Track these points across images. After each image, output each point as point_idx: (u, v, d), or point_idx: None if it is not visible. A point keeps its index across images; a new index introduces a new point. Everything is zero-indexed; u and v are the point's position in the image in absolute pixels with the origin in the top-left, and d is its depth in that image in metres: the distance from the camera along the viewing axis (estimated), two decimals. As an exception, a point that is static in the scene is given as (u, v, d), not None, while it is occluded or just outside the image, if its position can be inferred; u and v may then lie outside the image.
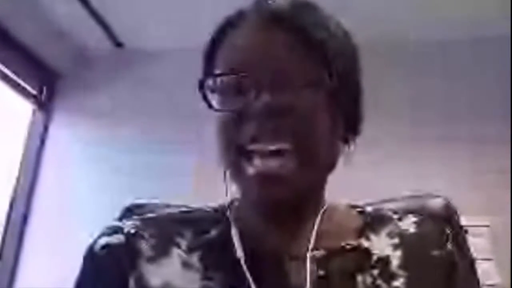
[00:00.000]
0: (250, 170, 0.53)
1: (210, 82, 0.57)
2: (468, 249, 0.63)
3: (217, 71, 0.57)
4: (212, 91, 0.56)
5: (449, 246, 0.59)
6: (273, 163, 0.51)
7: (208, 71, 0.60)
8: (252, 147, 0.52)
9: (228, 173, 0.57)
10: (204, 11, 2.16)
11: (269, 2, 0.58)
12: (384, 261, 0.57)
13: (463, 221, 0.66)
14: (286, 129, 0.52)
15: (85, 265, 0.59)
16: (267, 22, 0.56)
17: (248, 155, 0.53)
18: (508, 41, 2.18)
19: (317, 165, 0.55)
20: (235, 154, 0.54)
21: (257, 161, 0.52)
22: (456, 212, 0.63)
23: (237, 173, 0.55)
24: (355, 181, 1.67)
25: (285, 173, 0.52)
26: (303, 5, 0.58)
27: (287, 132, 0.52)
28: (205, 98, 0.56)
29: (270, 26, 0.55)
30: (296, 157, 0.52)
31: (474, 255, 0.64)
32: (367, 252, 0.58)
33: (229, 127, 0.55)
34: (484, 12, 2.11)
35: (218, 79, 0.56)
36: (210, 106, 0.56)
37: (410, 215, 0.62)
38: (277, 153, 0.52)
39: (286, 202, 0.54)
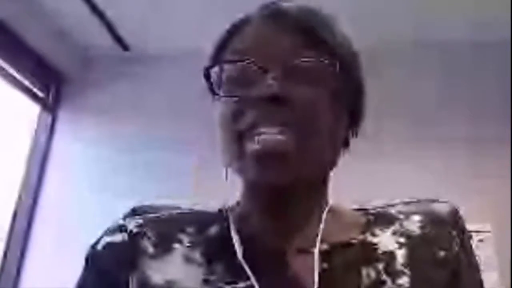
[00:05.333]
0: (251, 147, 0.53)
1: (216, 70, 0.57)
2: (473, 253, 0.62)
3: (226, 58, 0.59)
4: (218, 84, 0.57)
5: (455, 248, 0.59)
6: (274, 141, 0.52)
7: (216, 60, 0.61)
8: (253, 131, 0.53)
9: (229, 160, 0.57)
10: (206, 14, 2.17)
11: (277, 4, 0.60)
12: (389, 256, 0.57)
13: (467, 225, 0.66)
14: (290, 117, 0.53)
15: (88, 264, 0.60)
16: (275, 21, 0.57)
17: (250, 137, 0.53)
18: (509, 42, 2.19)
19: (318, 153, 0.55)
20: (237, 138, 0.54)
21: (259, 139, 0.52)
22: (462, 217, 0.63)
23: (238, 155, 0.55)
24: (355, 182, 1.67)
25: (286, 152, 0.52)
26: (308, 7, 0.60)
27: (291, 119, 0.53)
28: (209, 85, 0.57)
29: (277, 24, 0.57)
30: (297, 142, 0.52)
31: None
32: (372, 246, 0.58)
33: (233, 114, 0.55)
34: (484, 14, 2.11)
35: (225, 67, 0.57)
36: (215, 93, 0.57)
37: (415, 216, 0.61)
38: (279, 133, 0.52)
39: (287, 186, 0.54)
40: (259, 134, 0.52)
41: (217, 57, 0.60)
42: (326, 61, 0.55)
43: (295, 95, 0.53)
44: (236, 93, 0.55)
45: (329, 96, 0.55)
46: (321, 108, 0.55)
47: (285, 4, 0.59)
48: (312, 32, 0.56)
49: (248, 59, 0.55)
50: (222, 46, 0.60)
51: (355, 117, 0.61)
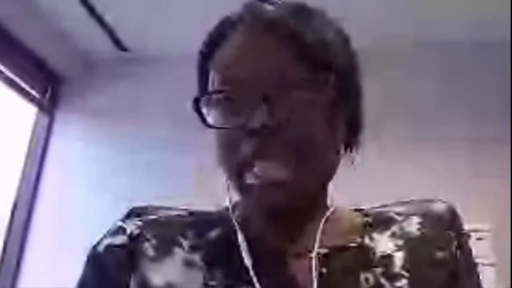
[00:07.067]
0: (250, 179, 0.52)
1: (204, 99, 0.55)
2: (471, 253, 0.62)
3: (211, 87, 0.56)
4: (208, 105, 0.55)
5: (453, 249, 0.59)
6: (272, 172, 0.51)
7: (202, 85, 0.59)
8: (251, 164, 0.52)
9: (227, 180, 0.57)
10: (205, 15, 2.16)
11: (261, 7, 0.56)
12: (387, 260, 0.57)
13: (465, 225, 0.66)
14: (284, 145, 0.51)
15: (88, 266, 0.60)
16: (260, 29, 0.54)
17: (248, 170, 0.52)
18: (509, 42, 2.18)
19: (316, 173, 0.54)
20: (236, 170, 0.54)
21: (257, 171, 0.52)
22: (459, 217, 0.63)
23: (238, 183, 0.55)
24: (354, 182, 1.67)
25: (285, 180, 0.51)
26: (298, 10, 0.56)
27: (286, 146, 0.51)
28: (200, 116, 0.55)
29: (263, 33, 0.54)
30: (295, 166, 0.52)
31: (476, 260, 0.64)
32: (370, 251, 0.58)
33: (228, 143, 0.54)
34: (484, 14, 2.11)
35: (213, 96, 0.55)
36: (206, 124, 0.55)
37: (414, 217, 0.61)
38: (276, 164, 0.51)
39: (287, 207, 0.54)
40: (255, 167, 0.51)
41: (204, 74, 0.58)
42: (320, 75, 0.52)
43: (287, 118, 0.51)
44: (228, 120, 0.53)
45: (324, 110, 0.53)
46: (317, 126, 0.53)
47: (274, 9, 0.55)
48: (305, 43, 0.52)
49: (234, 88, 0.53)
50: (207, 60, 0.58)
51: (354, 126, 0.60)
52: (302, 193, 0.53)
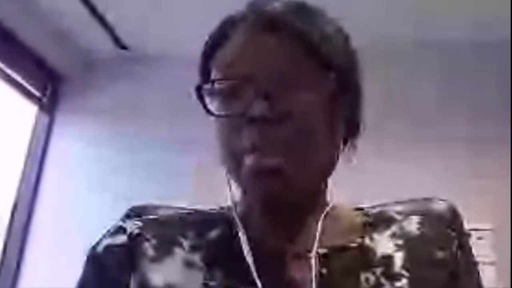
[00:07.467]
0: (248, 162, 0.53)
1: (207, 87, 0.56)
2: (471, 252, 0.62)
3: (214, 77, 0.57)
4: (210, 95, 0.56)
5: (453, 248, 0.59)
6: (269, 161, 0.52)
7: (204, 76, 0.59)
8: (250, 152, 0.52)
9: (227, 172, 0.58)
10: (205, 14, 2.16)
11: (264, 5, 0.57)
12: (387, 260, 0.57)
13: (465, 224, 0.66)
14: (285, 136, 0.52)
15: (87, 266, 0.60)
16: (262, 27, 0.55)
17: (247, 157, 0.53)
18: (509, 42, 2.18)
19: (314, 166, 0.55)
20: (235, 159, 0.54)
21: (255, 159, 0.52)
22: (460, 216, 0.63)
23: (236, 173, 0.55)
24: (354, 182, 1.67)
25: (282, 169, 0.52)
26: (299, 8, 0.57)
27: (286, 138, 0.52)
28: (202, 103, 0.56)
29: (265, 31, 0.54)
30: (293, 158, 0.52)
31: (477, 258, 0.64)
32: (370, 251, 0.58)
33: (228, 133, 0.55)
34: (484, 14, 2.11)
35: (215, 85, 0.56)
36: (208, 111, 0.56)
37: (414, 216, 0.61)
38: (275, 154, 0.52)
39: (283, 198, 0.54)
40: (255, 156, 0.52)
41: (206, 69, 0.59)
42: (321, 73, 0.53)
43: (287, 111, 0.52)
44: (229, 110, 0.54)
45: (324, 107, 0.54)
46: (316, 122, 0.54)
47: (276, 8, 0.56)
48: (303, 39, 0.53)
49: (236, 78, 0.54)
50: (210, 55, 0.59)
51: (353, 121, 0.61)
52: (297, 185, 0.53)
